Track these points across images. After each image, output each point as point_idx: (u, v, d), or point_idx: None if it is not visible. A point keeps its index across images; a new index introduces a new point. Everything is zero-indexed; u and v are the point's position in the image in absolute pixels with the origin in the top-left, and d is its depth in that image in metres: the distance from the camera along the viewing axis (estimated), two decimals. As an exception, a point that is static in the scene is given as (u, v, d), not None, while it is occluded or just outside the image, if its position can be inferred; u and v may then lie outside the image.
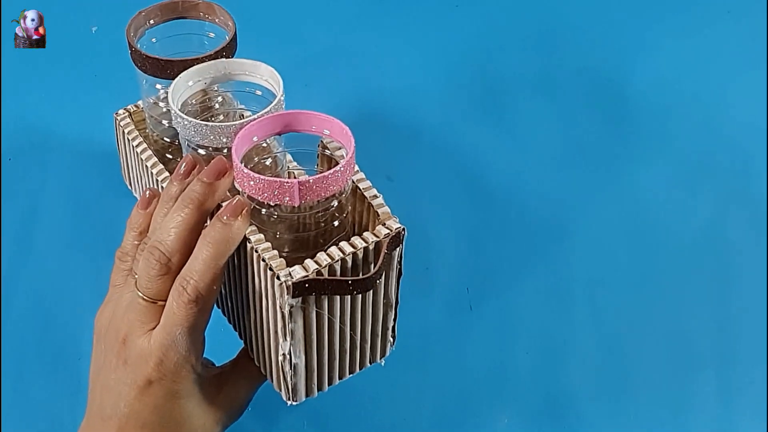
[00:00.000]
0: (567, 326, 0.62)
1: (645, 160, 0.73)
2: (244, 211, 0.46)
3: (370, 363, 0.51)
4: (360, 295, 0.46)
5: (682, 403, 0.59)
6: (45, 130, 0.74)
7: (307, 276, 0.42)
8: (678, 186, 0.72)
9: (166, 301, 0.47)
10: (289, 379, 0.47)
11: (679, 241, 0.68)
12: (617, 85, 0.79)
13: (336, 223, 0.48)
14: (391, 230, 0.45)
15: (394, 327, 0.51)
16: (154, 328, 0.47)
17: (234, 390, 0.53)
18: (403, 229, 0.46)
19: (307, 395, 0.49)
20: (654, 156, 0.73)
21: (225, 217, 0.46)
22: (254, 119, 0.46)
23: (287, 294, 0.42)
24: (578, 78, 0.79)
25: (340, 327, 0.47)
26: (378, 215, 0.47)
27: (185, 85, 0.50)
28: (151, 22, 0.55)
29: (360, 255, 0.45)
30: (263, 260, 0.44)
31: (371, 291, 0.46)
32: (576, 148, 0.74)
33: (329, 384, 0.50)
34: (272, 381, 0.49)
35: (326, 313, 0.45)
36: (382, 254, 0.45)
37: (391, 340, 0.51)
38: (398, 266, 0.48)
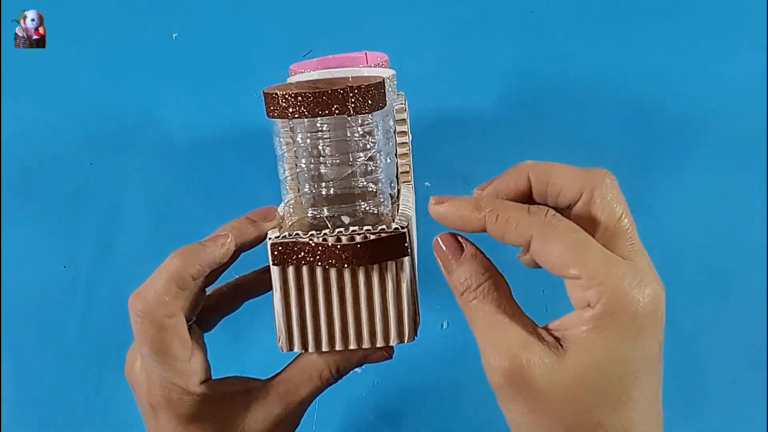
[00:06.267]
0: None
1: (719, 163, 0.73)
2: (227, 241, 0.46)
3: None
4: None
5: (756, 405, 0.60)
6: (124, 131, 0.75)
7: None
8: (757, 184, 0.72)
9: None
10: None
11: (752, 242, 0.68)
12: (688, 85, 0.78)
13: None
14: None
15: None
16: None
17: (265, 409, 0.49)
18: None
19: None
20: (726, 159, 0.73)
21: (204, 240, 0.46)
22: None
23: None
24: (647, 76, 0.79)
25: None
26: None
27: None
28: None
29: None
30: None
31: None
32: (644, 150, 0.74)
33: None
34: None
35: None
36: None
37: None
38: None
